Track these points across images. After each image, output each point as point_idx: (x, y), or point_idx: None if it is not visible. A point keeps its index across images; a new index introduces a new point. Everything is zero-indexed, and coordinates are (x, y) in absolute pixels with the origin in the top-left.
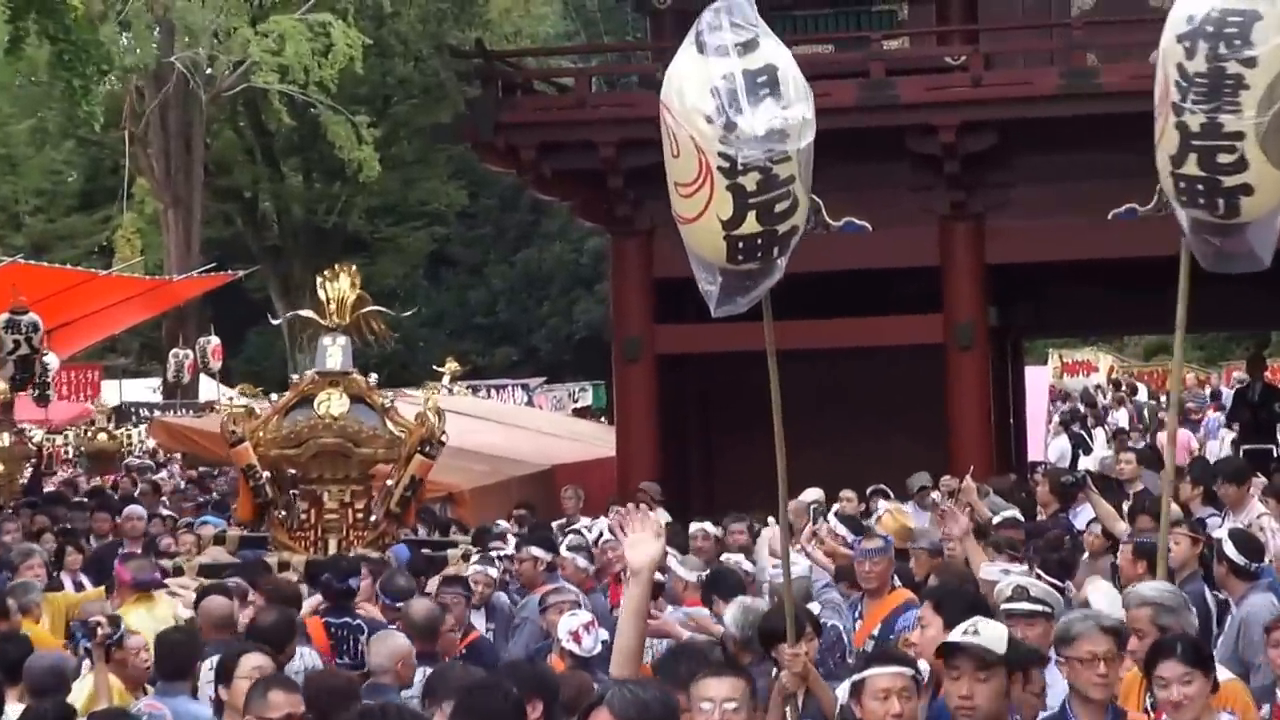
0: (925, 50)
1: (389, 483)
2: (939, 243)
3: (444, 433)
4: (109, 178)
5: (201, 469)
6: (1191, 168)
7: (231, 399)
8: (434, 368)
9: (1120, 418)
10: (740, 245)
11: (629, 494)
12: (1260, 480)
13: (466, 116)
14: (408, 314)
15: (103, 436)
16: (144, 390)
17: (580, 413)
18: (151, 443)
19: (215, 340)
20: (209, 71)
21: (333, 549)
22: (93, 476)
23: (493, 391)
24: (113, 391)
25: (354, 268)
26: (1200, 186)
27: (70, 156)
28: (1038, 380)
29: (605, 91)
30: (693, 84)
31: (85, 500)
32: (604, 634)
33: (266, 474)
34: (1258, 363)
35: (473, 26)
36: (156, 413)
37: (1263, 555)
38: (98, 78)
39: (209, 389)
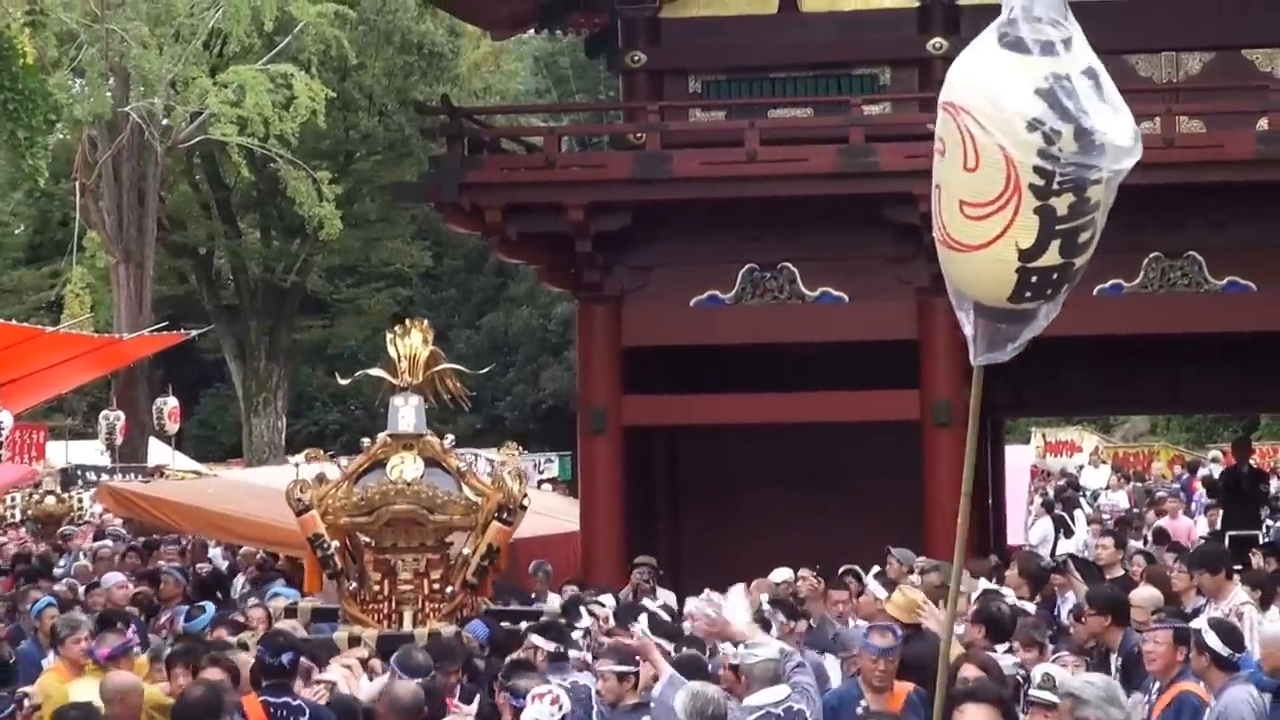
0: (907, 117)
1: (465, 551)
2: (917, 316)
3: (525, 496)
4: (58, 230)
5: (144, 539)
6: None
7: (299, 465)
8: (371, 435)
9: (1120, 499)
10: (1033, 280)
11: (592, 571)
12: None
13: (430, 175)
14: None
15: (50, 500)
16: (91, 452)
17: (546, 484)
18: (99, 507)
19: (172, 402)
20: (165, 122)
21: (408, 622)
22: (40, 541)
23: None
24: (59, 453)
25: (425, 323)
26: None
27: (18, 208)
28: (1019, 460)
29: (575, 152)
30: (1011, 84)
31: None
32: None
33: (335, 543)
34: (1244, 446)
35: (440, 81)
36: (104, 476)
37: (1243, 645)
38: (45, 129)
39: (159, 453)
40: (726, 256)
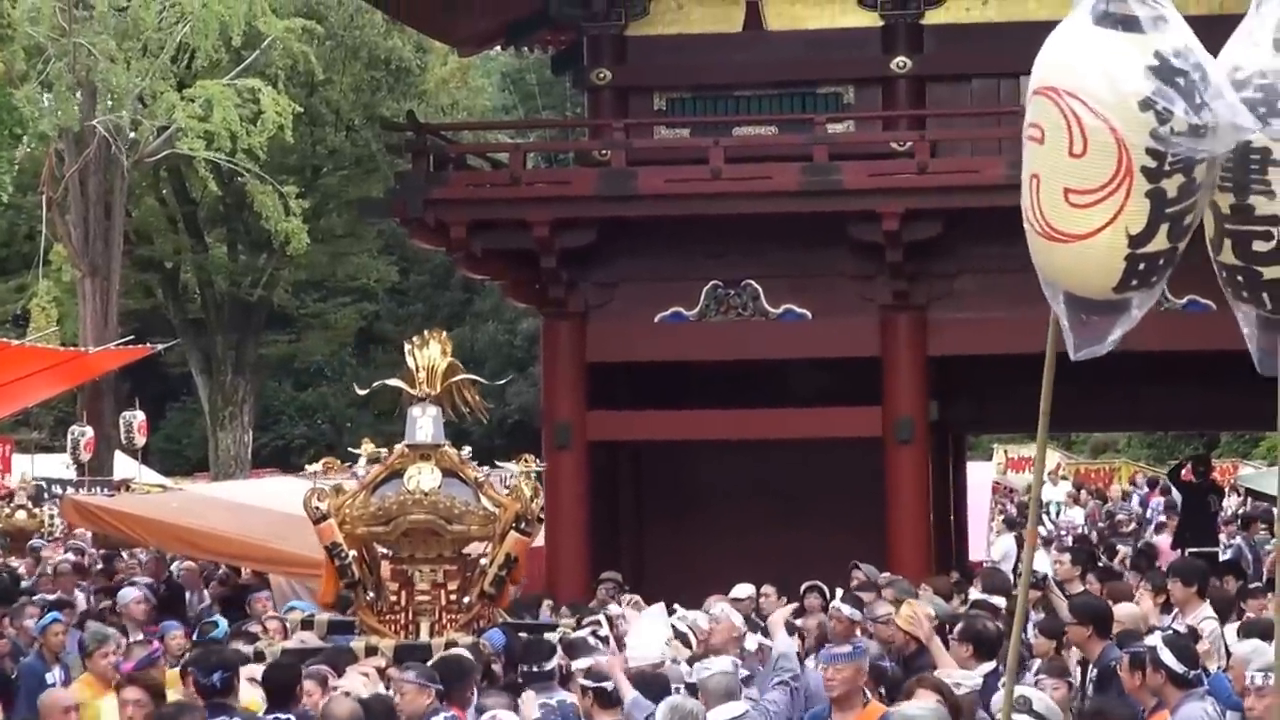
0: (870, 135)
1: (483, 562)
2: (880, 333)
3: (542, 508)
4: (25, 244)
5: (104, 551)
6: (1228, 256)
7: (316, 473)
8: (349, 449)
9: (1076, 516)
10: (1141, 267)
11: (558, 585)
12: None
13: (396, 191)
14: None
15: (21, 514)
16: (58, 466)
17: None
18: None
19: (140, 416)
20: (132, 136)
21: (424, 632)
22: (10, 555)
23: None
24: (25, 467)
25: (444, 334)
26: (1240, 278)
27: None
28: (980, 476)
29: (541, 168)
30: (1122, 62)
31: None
32: None
33: (353, 553)
34: (1204, 464)
35: (407, 97)
36: (69, 490)
37: (1198, 662)
38: (11, 143)
39: (124, 467)
40: (691, 273)
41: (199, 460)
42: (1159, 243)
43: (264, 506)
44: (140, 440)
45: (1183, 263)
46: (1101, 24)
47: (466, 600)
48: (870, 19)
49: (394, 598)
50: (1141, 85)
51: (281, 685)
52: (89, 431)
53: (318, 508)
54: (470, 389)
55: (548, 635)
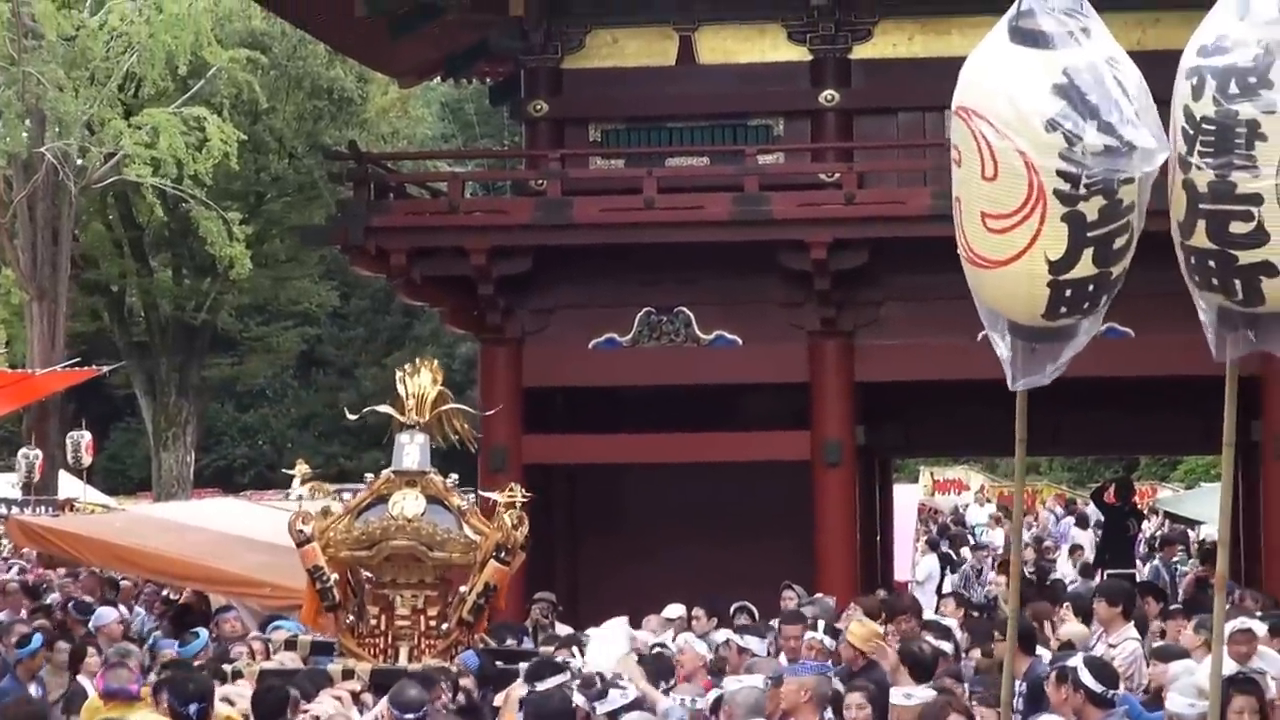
0: (799, 166)
1: (462, 589)
2: (808, 359)
3: (527, 537)
4: None
5: (41, 572)
6: (1201, 239)
7: (301, 497)
8: (278, 469)
9: (997, 538)
10: (1067, 294)
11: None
12: None
13: (338, 219)
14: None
15: None
16: (4, 486)
17: None
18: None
19: (87, 436)
20: (80, 163)
21: (403, 657)
22: None
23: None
24: None
25: (435, 361)
26: (1212, 263)
27: None
28: (907, 498)
29: (479, 197)
30: (1027, 81)
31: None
32: None
33: (335, 576)
34: (1125, 487)
35: (349, 126)
36: (14, 510)
37: (1118, 682)
38: None
39: (69, 486)
40: (624, 300)
41: (142, 480)
42: (1084, 268)
43: (205, 527)
44: (87, 460)
45: None
46: (1013, 41)
47: (445, 627)
48: (799, 53)
49: (374, 622)
50: (1045, 105)
51: (270, 710)
52: (39, 454)
53: (301, 531)
54: (459, 417)
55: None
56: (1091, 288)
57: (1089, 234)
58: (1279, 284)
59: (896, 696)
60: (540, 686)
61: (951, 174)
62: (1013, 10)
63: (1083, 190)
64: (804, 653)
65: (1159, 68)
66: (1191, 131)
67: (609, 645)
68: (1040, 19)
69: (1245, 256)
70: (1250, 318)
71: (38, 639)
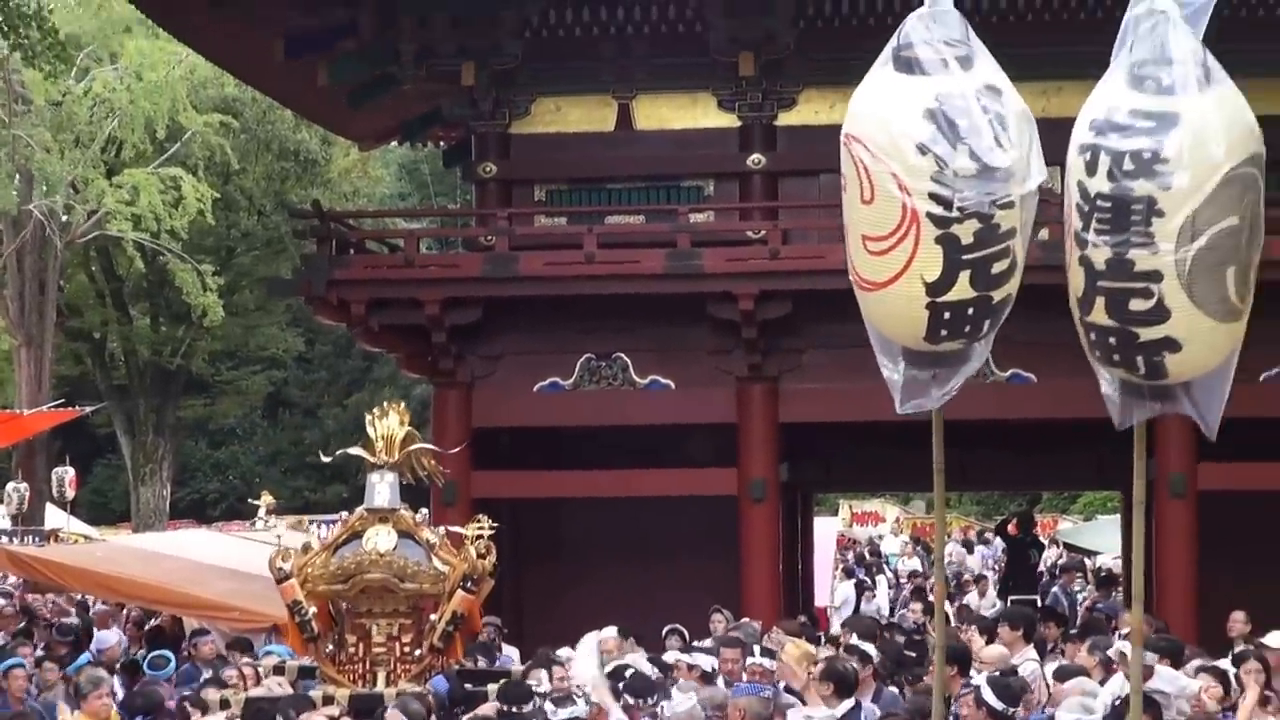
0: (728, 224)
1: (433, 617)
2: (736, 402)
3: (496, 566)
4: None
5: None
6: (1100, 315)
7: (280, 537)
8: (246, 500)
9: (914, 566)
10: (946, 317)
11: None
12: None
13: (302, 272)
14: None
15: None
16: None
17: None
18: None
19: (70, 471)
20: (65, 219)
21: (381, 682)
22: None
23: (324, 526)
24: None
25: (403, 405)
26: (1112, 339)
27: None
28: (827, 530)
29: (433, 252)
30: (900, 107)
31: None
32: None
33: (313, 609)
34: (1027, 520)
35: (314, 185)
36: (2, 539)
37: (1018, 701)
38: None
39: (55, 518)
40: (566, 347)
41: (122, 512)
42: (961, 291)
43: (179, 555)
44: (70, 493)
45: (1006, 339)
46: (895, 69)
47: (419, 653)
48: (729, 120)
49: (352, 649)
50: (916, 130)
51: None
52: (27, 487)
53: (281, 568)
54: (428, 456)
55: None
56: (971, 311)
57: (964, 257)
58: (1181, 359)
59: (796, 716)
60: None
61: (843, 201)
62: (894, 39)
63: (955, 213)
64: (745, 676)
65: (1063, 135)
66: (1087, 208)
67: (587, 659)
68: (918, 48)
69: (1146, 333)
70: (1154, 389)
71: (14, 661)
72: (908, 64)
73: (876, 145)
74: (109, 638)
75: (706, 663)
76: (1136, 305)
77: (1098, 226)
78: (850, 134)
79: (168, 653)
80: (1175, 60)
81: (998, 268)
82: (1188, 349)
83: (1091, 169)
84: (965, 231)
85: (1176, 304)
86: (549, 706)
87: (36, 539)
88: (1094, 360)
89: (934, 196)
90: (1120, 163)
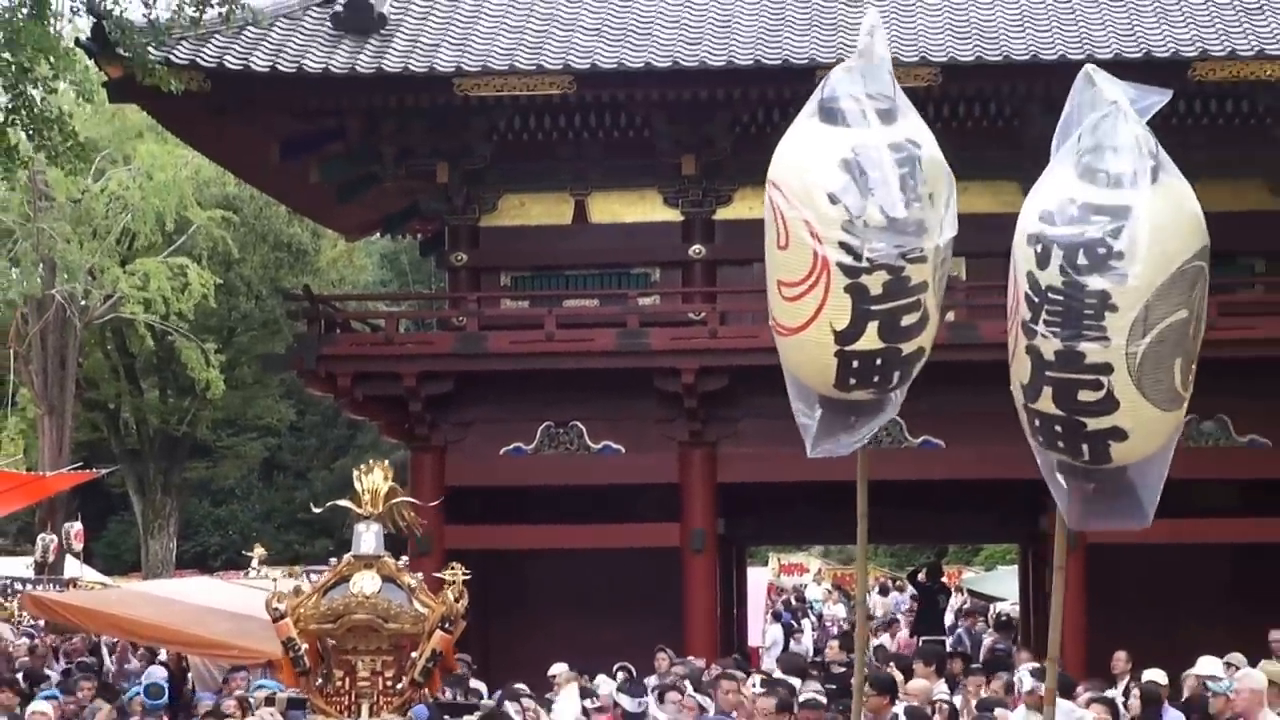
0: (672, 307)
1: (414, 654)
2: (678, 464)
3: (468, 610)
4: None
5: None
6: (1047, 404)
7: (275, 577)
8: (242, 552)
9: (839, 611)
10: (854, 365)
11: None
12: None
13: (295, 349)
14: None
15: None
16: (19, 567)
17: None
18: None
19: (77, 525)
20: (84, 303)
21: (365, 713)
22: None
23: (312, 575)
24: None
25: (385, 462)
26: (1058, 427)
27: None
28: (758, 579)
29: (410, 332)
30: (817, 155)
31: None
32: None
33: (305, 646)
34: (936, 570)
35: (305, 273)
36: (28, 586)
37: None
38: None
39: (73, 568)
40: (529, 415)
41: (133, 562)
42: (869, 341)
43: (184, 600)
44: (78, 545)
45: (918, 410)
46: (818, 119)
47: (400, 686)
48: (673, 215)
49: (339, 683)
50: (829, 179)
51: None
52: (55, 539)
53: (277, 609)
54: (407, 509)
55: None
56: (879, 362)
57: (873, 308)
58: (1127, 447)
59: None
60: None
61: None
62: (820, 91)
63: (865, 263)
64: (685, 712)
65: (967, 229)
66: (1037, 299)
67: (569, 703)
68: (840, 100)
69: (1094, 423)
70: (1088, 472)
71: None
72: (830, 114)
73: (791, 191)
74: (159, 672)
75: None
76: (1085, 396)
77: (1048, 319)
78: (771, 180)
79: (161, 682)
80: (1126, 151)
81: (907, 320)
82: (1134, 437)
83: (1043, 262)
84: (874, 282)
85: (1125, 395)
86: None
87: (57, 586)
88: (1035, 444)
89: (844, 245)
90: (1073, 257)
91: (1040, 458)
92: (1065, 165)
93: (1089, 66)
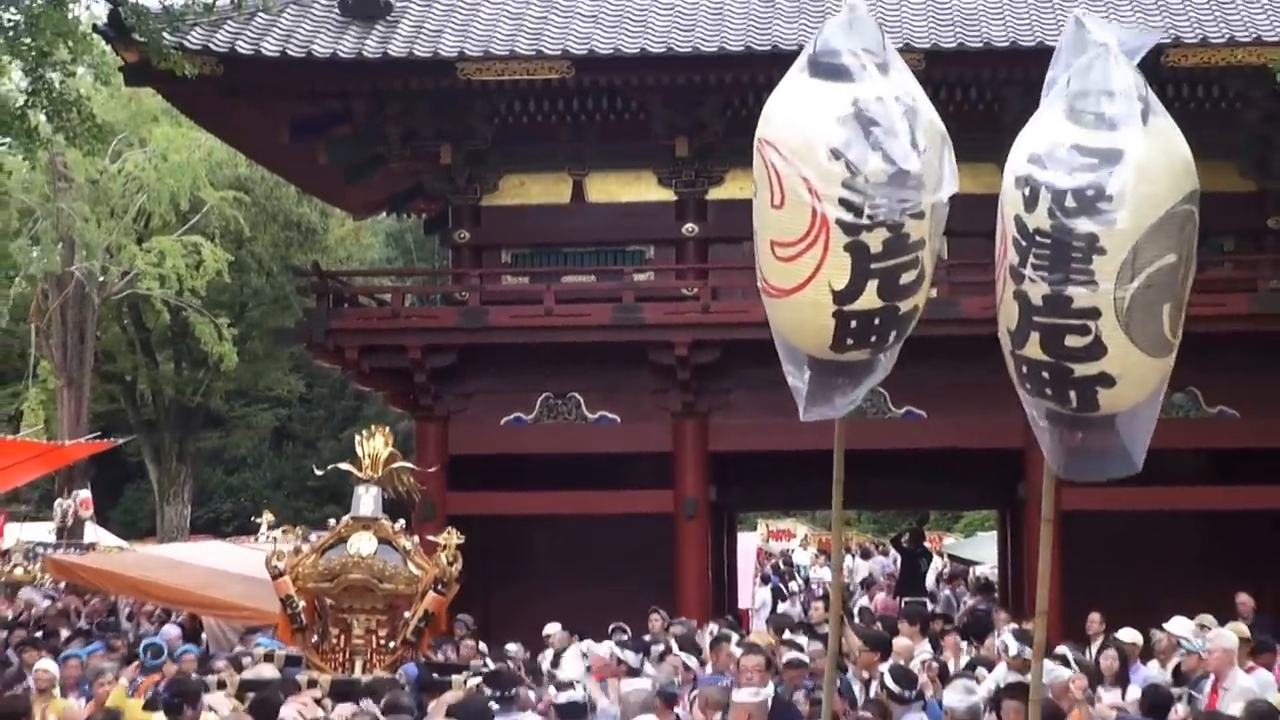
0: (666, 283)
1: (407, 614)
2: (672, 434)
3: (462, 573)
4: (18, 361)
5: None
6: (1035, 350)
7: (276, 539)
8: (253, 518)
9: (825, 574)
10: (852, 325)
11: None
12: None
13: (304, 323)
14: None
15: (19, 570)
16: (42, 532)
17: None
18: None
19: (83, 494)
20: (101, 279)
21: (358, 669)
22: (11, 602)
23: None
24: (14, 533)
25: (387, 429)
26: (1045, 374)
27: None
28: (748, 543)
29: (415, 306)
30: (816, 111)
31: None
32: None
33: (302, 603)
34: (918, 535)
35: (314, 250)
36: (50, 550)
37: (915, 684)
38: (6, 283)
39: (92, 532)
40: (528, 387)
41: (149, 528)
42: (869, 300)
43: (198, 563)
44: (85, 513)
45: (901, 381)
46: (810, 75)
47: (393, 645)
48: (667, 194)
49: (335, 640)
50: (830, 133)
51: (265, 712)
52: (71, 503)
53: (276, 567)
54: (406, 474)
55: (453, 677)
56: (878, 321)
57: (873, 266)
58: (1115, 393)
59: (743, 695)
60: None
61: (754, 208)
62: (811, 45)
63: (865, 220)
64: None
65: (950, 209)
66: (1025, 243)
67: (575, 662)
68: (835, 54)
69: (1081, 369)
70: (1080, 420)
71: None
72: (825, 70)
73: (789, 149)
74: (170, 630)
75: (634, 659)
76: (1073, 341)
77: (1035, 262)
78: (763, 138)
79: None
80: (1117, 94)
81: (906, 278)
82: (1121, 384)
83: (1031, 204)
84: (875, 240)
85: (1113, 341)
86: (552, 690)
87: (78, 550)
88: (1023, 392)
89: (844, 203)
90: (1061, 200)
91: (1028, 406)
92: (1054, 109)
93: (1078, 11)
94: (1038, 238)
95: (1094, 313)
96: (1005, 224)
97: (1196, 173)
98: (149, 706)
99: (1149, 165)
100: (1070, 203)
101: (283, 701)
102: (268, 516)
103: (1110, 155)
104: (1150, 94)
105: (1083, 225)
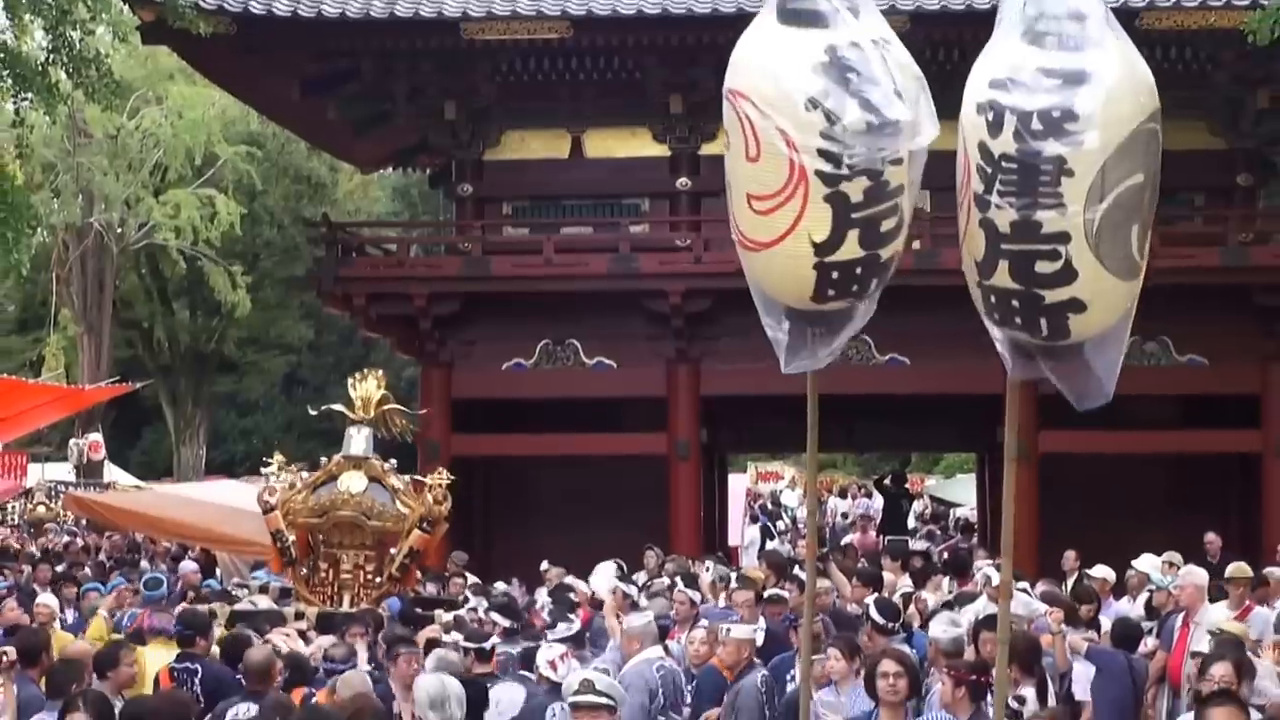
0: (661, 235)
1: (393, 551)
2: (665, 379)
3: (450, 511)
4: (40, 309)
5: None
6: (1003, 278)
7: (269, 475)
8: (264, 459)
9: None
10: (834, 276)
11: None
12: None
13: (314, 272)
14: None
15: (42, 508)
16: (63, 472)
17: None
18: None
19: (94, 437)
20: (119, 230)
21: (346, 603)
22: (36, 539)
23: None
24: (36, 472)
25: (381, 371)
26: (1015, 302)
27: (10, 291)
28: (738, 484)
29: (420, 256)
30: (790, 59)
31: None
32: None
33: (291, 538)
34: (900, 476)
35: (323, 203)
36: (70, 488)
37: (898, 617)
38: (29, 233)
39: (111, 472)
40: (529, 334)
41: (166, 469)
42: (850, 250)
43: (212, 501)
44: (95, 456)
45: (884, 326)
46: (780, 20)
47: (379, 580)
48: (661, 150)
49: (323, 574)
50: (807, 83)
51: (236, 649)
52: (86, 442)
53: (267, 502)
54: (397, 415)
55: (436, 612)
56: (859, 270)
57: (853, 215)
58: (1085, 319)
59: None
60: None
61: (725, 160)
62: None
63: (845, 170)
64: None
65: (932, 165)
66: (989, 169)
67: (604, 579)
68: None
69: (1052, 295)
70: (1047, 350)
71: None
72: (797, 15)
73: (763, 100)
74: (188, 565)
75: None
76: (1043, 267)
77: (1002, 189)
78: (734, 89)
79: (160, 575)
80: (1081, 15)
81: (886, 225)
82: (1092, 309)
83: (995, 129)
84: (855, 189)
85: (1084, 265)
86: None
87: (97, 488)
88: (990, 323)
89: (823, 153)
90: (1027, 122)
91: (996, 334)
92: (1012, 33)
93: None
94: (1003, 163)
95: (1063, 237)
96: (968, 152)
97: (1164, 124)
98: (134, 639)
99: (1113, 85)
100: (1036, 125)
101: (265, 634)
102: (278, 458)
103: (1076, 76)
104: (1110, 15)
105: (1050, 148)
